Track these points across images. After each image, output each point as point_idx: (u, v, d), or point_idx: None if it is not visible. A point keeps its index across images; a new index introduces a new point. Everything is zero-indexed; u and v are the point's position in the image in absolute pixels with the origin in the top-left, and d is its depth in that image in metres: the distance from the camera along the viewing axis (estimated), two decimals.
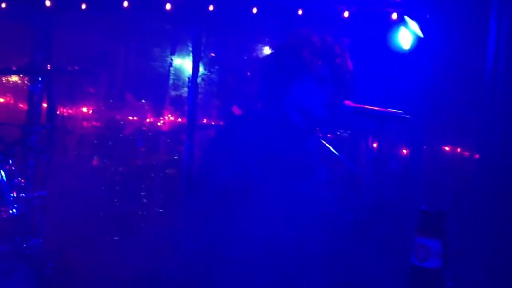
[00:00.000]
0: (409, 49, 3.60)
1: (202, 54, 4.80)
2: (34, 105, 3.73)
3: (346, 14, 3.98)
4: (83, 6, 4.34)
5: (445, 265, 0.68)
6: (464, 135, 3.93)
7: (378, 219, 2.87)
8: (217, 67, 4.92)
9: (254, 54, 4.81)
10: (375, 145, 4.83)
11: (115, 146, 4.89)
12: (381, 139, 3.93)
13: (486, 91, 3.13)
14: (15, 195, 2.61)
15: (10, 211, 2.56)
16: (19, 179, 2.67)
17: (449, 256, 0.67)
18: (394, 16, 3.84)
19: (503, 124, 3.13)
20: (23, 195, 2.64)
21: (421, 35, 3.20)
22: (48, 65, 2.72)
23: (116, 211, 4.72)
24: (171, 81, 4.91)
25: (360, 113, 2.42)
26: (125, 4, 4.30)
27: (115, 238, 4.67)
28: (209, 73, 4.89)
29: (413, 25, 3.22)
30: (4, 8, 4.15)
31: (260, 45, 4.84)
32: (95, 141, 4.96)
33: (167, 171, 5.00)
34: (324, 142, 4.02)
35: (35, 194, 2.73)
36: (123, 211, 4.72)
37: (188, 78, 4.73)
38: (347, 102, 2.54)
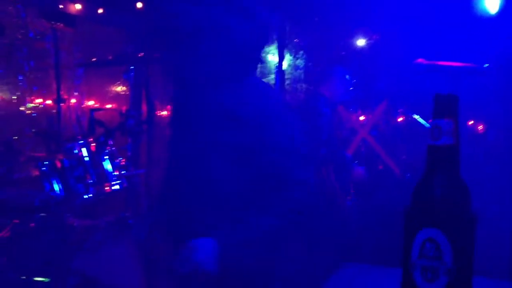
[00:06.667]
0: (496, 13, 3.49)
1: (287, 41, 4.90)
2: (130, 92, 4.08)
3: None
4: None
5: (458, 142, 0.75)
6: None
7: None
8: (302, 52, 5.02)
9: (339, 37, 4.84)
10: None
11: None
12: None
13: None
14: (117, 173, 2.88)
15: (114, 187, 2.84)
16: (120, 159, 2.94)
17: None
18: None
19: None
20: (124, 172, 2.91)
21: None
22: (140, 54, 2.97)
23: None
24: (258, 69, 5.07)
25: (434, 70, 2.40)
26: None
27: None
28: (294, 59, 5.00)
29: None
30: (101, 13, 4.57)
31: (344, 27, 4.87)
32: None
33: None
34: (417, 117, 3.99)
35: (135, 172, 2.99)
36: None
37: (275, 65, 4.85)
38: (420, 60, 2.52)
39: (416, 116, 3.99)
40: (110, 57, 3.00)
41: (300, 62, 5.01)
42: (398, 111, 4.71)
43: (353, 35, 4.89)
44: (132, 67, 2.96)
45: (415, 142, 3.97)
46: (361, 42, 4.91)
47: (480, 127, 4.75)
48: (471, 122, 4.89)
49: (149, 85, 3.24)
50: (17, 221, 2.42)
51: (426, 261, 0.75)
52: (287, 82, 4.93)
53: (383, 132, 4.62)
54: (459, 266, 0.74)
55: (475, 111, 4.28)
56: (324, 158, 3.50)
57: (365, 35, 4.90)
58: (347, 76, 3.73)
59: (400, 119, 4.82)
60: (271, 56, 5.10)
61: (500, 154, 3.75)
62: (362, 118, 4.99)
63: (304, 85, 4.99)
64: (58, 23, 3.13)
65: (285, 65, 4.91)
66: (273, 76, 4.98)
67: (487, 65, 2.44)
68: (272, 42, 4.97)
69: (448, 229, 0.74)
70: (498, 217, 3.42)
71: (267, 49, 5.14)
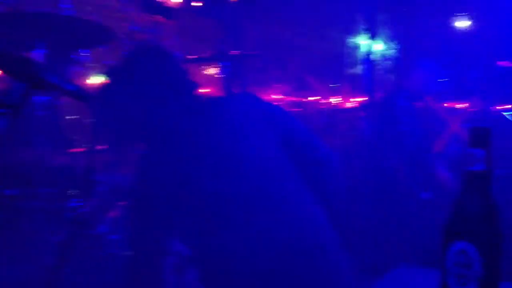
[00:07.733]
0: None
1: (376, 31, 4.90)
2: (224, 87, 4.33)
3: None
4: None
5: (490, 168, 0.86)
6: None
7: None
8: (392, 42, 5.02)
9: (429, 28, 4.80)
10: None
11: None
12: None
13: None
14: None
15: None
16: None
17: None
18: None
19: None
20: None
21: None
22: (233, 52, 3.17)
23: None
24: (347, 60, 5.14)
25: None
26: None
27: None
28: (383, 49, 5.01)
29: None
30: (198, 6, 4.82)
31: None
32: None
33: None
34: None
35: None
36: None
37: (364, 55, 4.88)
38: (503, 63, 2.51)
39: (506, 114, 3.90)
40: (207, 54, 3.21)
41: (390, 52, 5.01)
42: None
43: (445, 25, 4.83)
44: (228, 64, 3.16)
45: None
46: (454, 28, 4.82)
47: None
48: None
49: (243, 81, 3.42)
50: None
51: (459, 268, 0.89)
52: (376, 72, 4.93)
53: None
54: (487, 274, 0.87)
55: None
56: (406, 149, 3.51)
57: (456, 24, 4.81)
58: (434, 68, 3.72)
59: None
60: (361, 45, 5.13)
61: None
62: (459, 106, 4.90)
63: (392, 76, 4.99)
64: (157, 16, 3.36)
65: (374, 55, 4.90)
66: (362, 66, 5.00)
67: None
68: (363, 31, 4.99)
69: (478, 243, 0.87)
70: None
71: (356, 38, 5.18)
